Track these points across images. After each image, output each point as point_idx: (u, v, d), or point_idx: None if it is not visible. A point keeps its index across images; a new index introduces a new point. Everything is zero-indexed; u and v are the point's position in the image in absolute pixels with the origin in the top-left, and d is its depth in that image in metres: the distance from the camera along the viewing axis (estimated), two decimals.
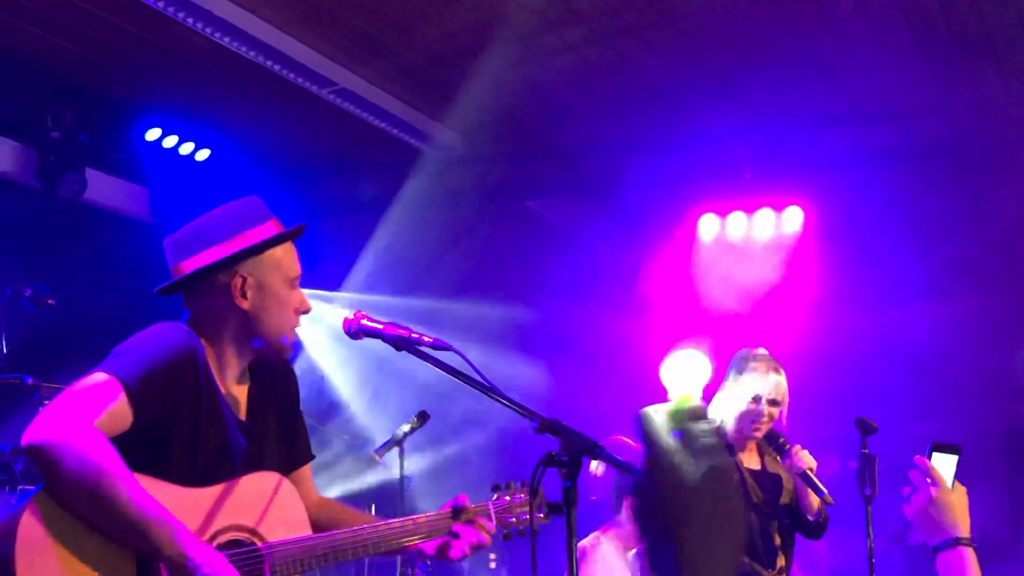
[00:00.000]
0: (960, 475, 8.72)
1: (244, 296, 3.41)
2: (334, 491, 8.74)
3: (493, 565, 9.19)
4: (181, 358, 3.28)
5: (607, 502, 6.25)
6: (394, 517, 3.62)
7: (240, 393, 3.50)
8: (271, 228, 3.50)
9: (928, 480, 2.80)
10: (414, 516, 3.59)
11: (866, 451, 5.33)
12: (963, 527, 2.70)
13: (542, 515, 3.69)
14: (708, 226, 10.17)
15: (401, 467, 6.86)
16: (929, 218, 9.39)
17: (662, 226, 10.16)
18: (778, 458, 5.54)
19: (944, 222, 9.43)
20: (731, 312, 9.99)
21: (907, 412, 9.33)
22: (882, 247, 9.38)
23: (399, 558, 3.77)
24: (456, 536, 3.57)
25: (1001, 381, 10.13)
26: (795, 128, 8.63)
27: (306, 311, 3.56)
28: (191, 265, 3.40)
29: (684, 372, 5.25)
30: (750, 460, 5.62)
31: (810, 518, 5.54)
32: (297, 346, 9.13)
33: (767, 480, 5.58)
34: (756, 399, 5.49)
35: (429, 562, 7.00)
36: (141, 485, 3.05)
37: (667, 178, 9.30)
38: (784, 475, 5.57)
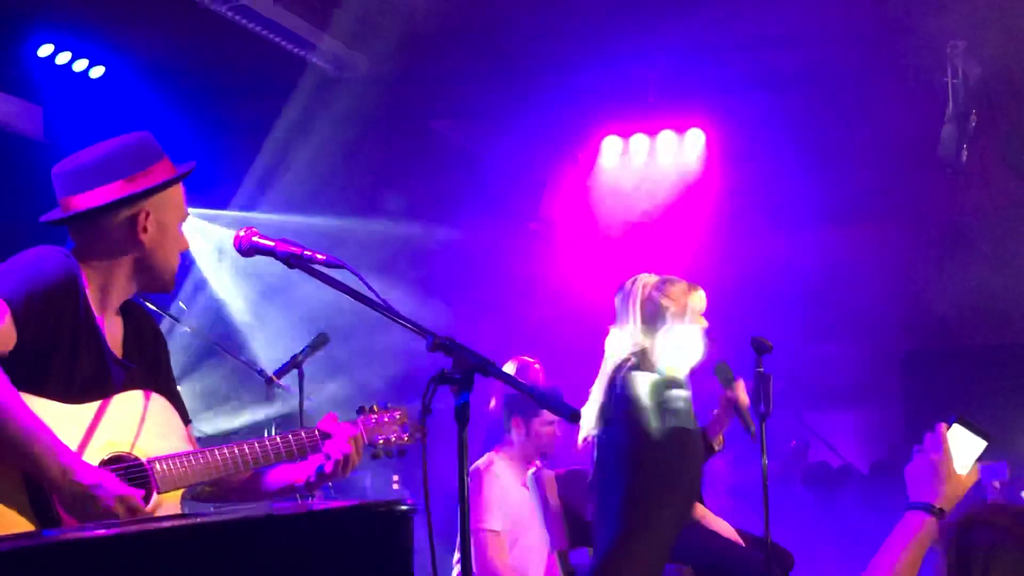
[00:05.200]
0: (857, 396, 8.85)
1: (146, 231, 3.41)
2: (236, 419, 8.72)
3: (396, 487, 9.21)
4: (62, 282, 3.27)
5: (499, 422, 6.29)
6: None
7: (115, 330, 3.50)
8: (168, 166, 3.52)
9: (934, 445, 2.80)
10: (284, 433, 3.62)
11: (761, 370, 5.39)
12: (944, 499, 2.72)
13: (407, 436, 3.75)
14: (610, 148, 10.20)
15: (301, 390, 6.82)
16: (829, 142, 9.47)
17: (565, 148, 10.16)
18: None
19: (844, 147, 9.52)
20: (632, 233, 10.06)
21: (804, 334, 9.48)
22: (782, 170, 9.45)
23: (296, 494, 3.78)
24: (327, 457, 3.57)
25: (899, 305, 10.29)
26: (699, 51, 8.63)
27: (186, 248, 3.60)
28: (98, 197, 3.38)
29: (682, 349, 5.23)
30: None
31: (716, 448, 5.67)
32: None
33: None
34: (699, 311, 5.51)
35: (332, 489, 7.08)
36: (26, 405, 3.05)
37: (571, 99, 9.28)
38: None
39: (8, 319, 3.12)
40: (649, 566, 5.06)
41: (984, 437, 2.82)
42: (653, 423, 5.04)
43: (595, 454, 5.29)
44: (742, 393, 5.43)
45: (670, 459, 5.08)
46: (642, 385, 5.08)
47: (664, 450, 5.06)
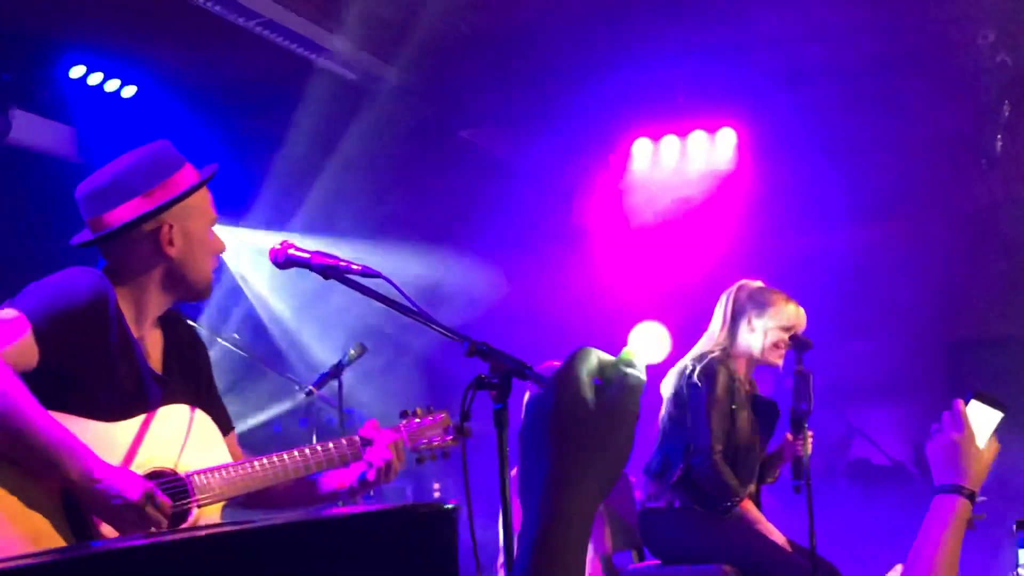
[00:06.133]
0: (897, 390, 8.76)
1: (172, 244, 3.40)
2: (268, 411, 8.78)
3: (437, 495, 9.20)
4: (91, 301, 3.27)
5: None
6: None
7: (154, 346, 3.50)
8: (190, 173, 3.48)
9: (954, 423, 2.76)
10: (325, 442, 3.61)
11: (801, 367, 5.39)
12: (972, 478, 2.67)
13: (451, 438, 3.75)
14: (641, 150, 10.18)
15: (340, 400, 6.83)
16: (860, 137, 9.41)
17: (596, 152, 10.15)
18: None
19: (876, 141, 9.46)
20: (665, 234, 10.04)
21: (841, 330, 9.41)
22: (814, 166, 9.40)
23: (339, 501, 3.79)
24: (369, 464, 3.57)
25: (936, 297, 10.21)
26: (727, 50, 8.60)
27: (222, 251, 3.57)
28: (117, 217, 3.37)
29: (647, 343, 5.28)
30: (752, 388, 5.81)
31: (769, 480, 5.88)
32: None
33: (766, 406, 5.74)
34: (787, 328, 5.59)
35: (374, 497, 7.10)
36: (48, 413, 3.06)
37: (600, 103, 9.26)
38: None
39: (30, 335, 3.13)
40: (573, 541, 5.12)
41: (1001, 409, 2.76)
42: (587, 394, 5.02)
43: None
44: (806, 446, 5.46)
45: (598, 428, 5.08)
46: (590, 357, 5.08)
47: (592, 418, 5.06)
